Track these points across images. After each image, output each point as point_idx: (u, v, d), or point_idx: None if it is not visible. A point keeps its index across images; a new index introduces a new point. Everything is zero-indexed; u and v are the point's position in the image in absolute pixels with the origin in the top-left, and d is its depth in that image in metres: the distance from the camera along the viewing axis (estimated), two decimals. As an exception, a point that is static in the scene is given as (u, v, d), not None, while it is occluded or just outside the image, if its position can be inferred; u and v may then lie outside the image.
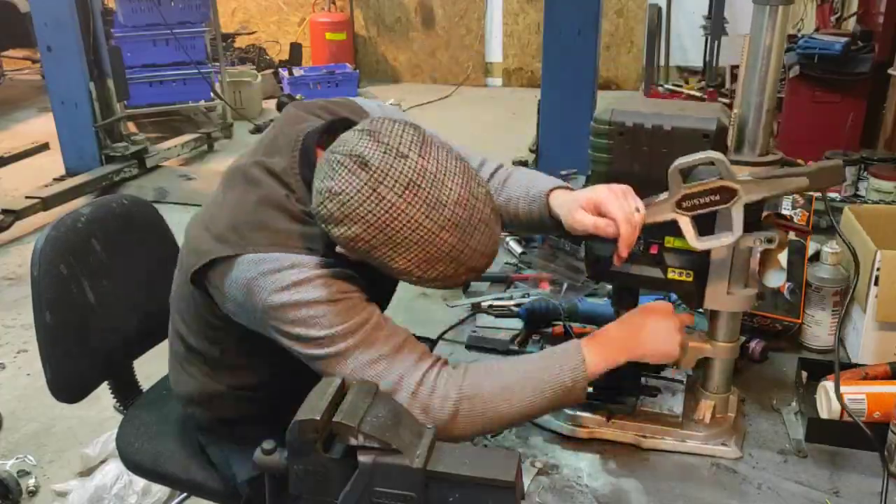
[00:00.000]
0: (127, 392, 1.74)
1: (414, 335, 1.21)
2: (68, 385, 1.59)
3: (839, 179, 1.09)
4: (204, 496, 1.62)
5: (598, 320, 1.62)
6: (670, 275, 1.20)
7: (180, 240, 1.87)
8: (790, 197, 1.70)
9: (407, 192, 1.05)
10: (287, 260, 1.15)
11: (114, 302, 1.66)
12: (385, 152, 1.05)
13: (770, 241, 1.14)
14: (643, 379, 1.34)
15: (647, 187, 1.15)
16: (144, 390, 1.79)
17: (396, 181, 1.05)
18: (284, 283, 1.13)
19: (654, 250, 1.21)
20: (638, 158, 1.17)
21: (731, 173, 1.08)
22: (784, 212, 1.67)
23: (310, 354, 1.16)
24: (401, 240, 1.06)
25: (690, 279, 1.19)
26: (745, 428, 1.32)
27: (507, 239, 2.05)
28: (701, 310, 1.25)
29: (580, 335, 1.60)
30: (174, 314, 1.46)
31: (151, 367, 1.84)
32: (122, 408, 1.76)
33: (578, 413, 1.30)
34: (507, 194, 1.38)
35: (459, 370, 1.17)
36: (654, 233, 1.18)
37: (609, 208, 1.14)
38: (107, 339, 1.64)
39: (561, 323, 1.62)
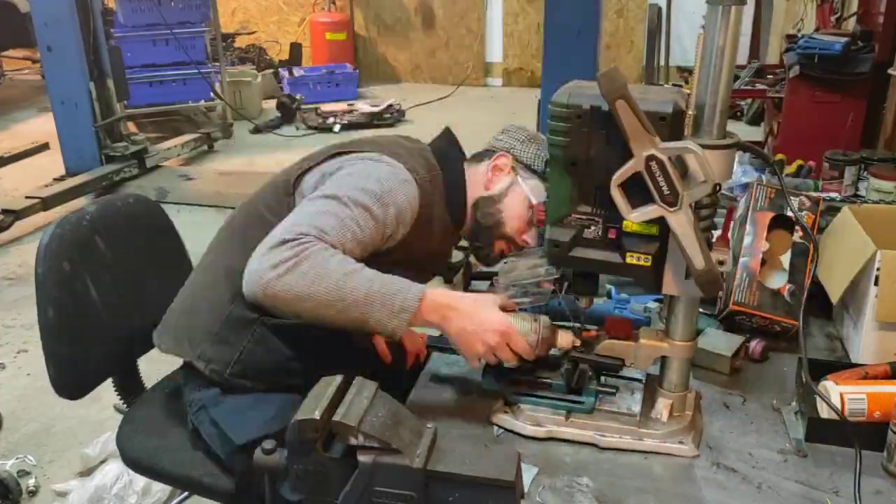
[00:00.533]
0: (130, 389, 1.75)
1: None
2: (70, 382, 1.59)
3: (617, 78, 1.08)
4: (199, 492, 1.62)
5: (600, 320, 1.62)
6: (629, 259, 1.20)
7: (183, 239, 1.89)
8: (796, 199, 1.70)
9: None
10: (391, 160, 1.44)
11: (117, 299, 1.66)
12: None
13: (721, 263, 1.15)
14: (602, 378, 1.34)
15: (604, 170, 1.14)
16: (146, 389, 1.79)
17: None
18: (388, 162, 1.43)
19: (612, 234, 1.20)
20: (596, 141, 1.16)
21: (705, 165, 1.08)
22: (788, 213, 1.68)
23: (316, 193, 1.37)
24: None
25: (649, 264, 1.19)
26: (703, 426, 1.32)
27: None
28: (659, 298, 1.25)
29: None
30: (221, 243, 1.57)
31: (153, 366, 1.84)
32: (124, 405, 1.76)
33: (538, 413, 1.31)
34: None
35: (326, 249, 1.28)
36: (612, 217, 1.18)
37: None
38: (109, 336, 1.65)
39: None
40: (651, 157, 1.09)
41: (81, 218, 1.63)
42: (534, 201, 1.57)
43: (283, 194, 1.49)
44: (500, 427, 1.34)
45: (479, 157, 1.65)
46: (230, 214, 1.64)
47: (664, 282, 1.20)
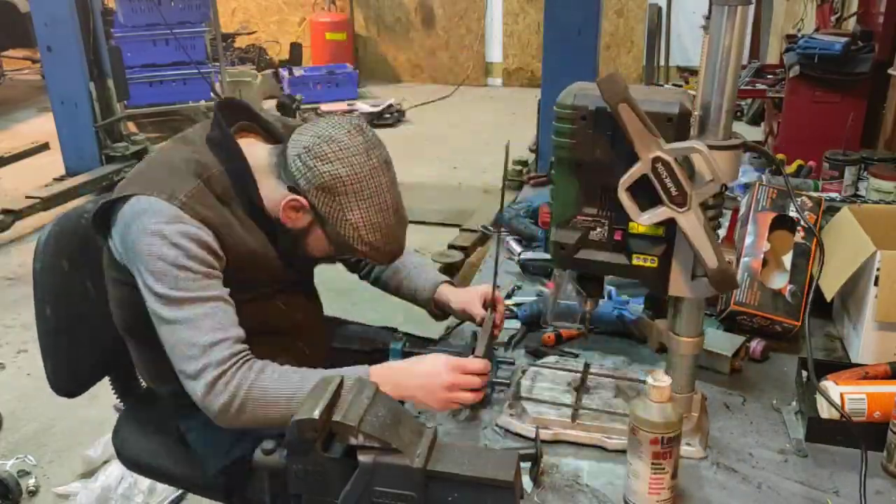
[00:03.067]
0: (127, 388, 1.74)
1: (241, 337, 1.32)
2: (68, 380, 1.59)
3: (618, 83, 1.07)
4: (196, 491, 1.63)
5: (600, 322, 1.62)
6: (635, 261, 1.20)
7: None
8: (798, 200, 1.70)
9: (384, 164, 1.36)
10: (164, 209, 1.30)
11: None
12: (373, 135, 1.38)
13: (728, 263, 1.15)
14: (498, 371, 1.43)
15: (610, 172, 1.14)
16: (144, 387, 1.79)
17: (380, 154, 1.36)
18: (153, 230, 1.28)
19: (618, 236, 1.20)
20: (601, 143, 1.15)
21: (712, 164, 1.08)
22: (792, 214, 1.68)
23: (152, 309, 1.30)
24: (366, 194, 1.33)
25: (655, 265, 1.19)
26: (709, 426, 1.32)
27: (508, 238, 2.05)
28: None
29: (569, 338, 1.61)
30: (113, 309, 1.50)
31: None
32: (121, 404, 1.76)
33: (544, 416, 1.31)
34: (398, 267, 1.66)
35: (256, 369, 1.28)
36: (618, 218, 1.18)
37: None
38: (107, 335, 1.64)
39: (552, 332, 1.62)
40: (657, 159, 1.08)
41: (80, 215, 1.62)
42: (335, 248, 1.40)
43: (106, 250, 1.43)
44: (505, 430, 1.34)
45: (276, 167, 1.38)
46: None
47: (671, 283, 1.20)
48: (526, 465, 1.18)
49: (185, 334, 1.27)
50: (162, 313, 1.28)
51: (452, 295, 1.62)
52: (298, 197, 1.33)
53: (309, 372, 1.32)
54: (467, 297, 1.59)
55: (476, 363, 1.34)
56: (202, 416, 1.32)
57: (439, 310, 1.64)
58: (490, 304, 1.52)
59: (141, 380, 1.66)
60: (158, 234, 1.28)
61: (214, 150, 1.40)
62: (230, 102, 1.47)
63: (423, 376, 1.33)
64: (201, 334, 1.27)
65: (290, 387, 1.28)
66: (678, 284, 1.20)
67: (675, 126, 1.11)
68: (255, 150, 1.41)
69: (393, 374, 1.34)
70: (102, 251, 1.45)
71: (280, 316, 1.48)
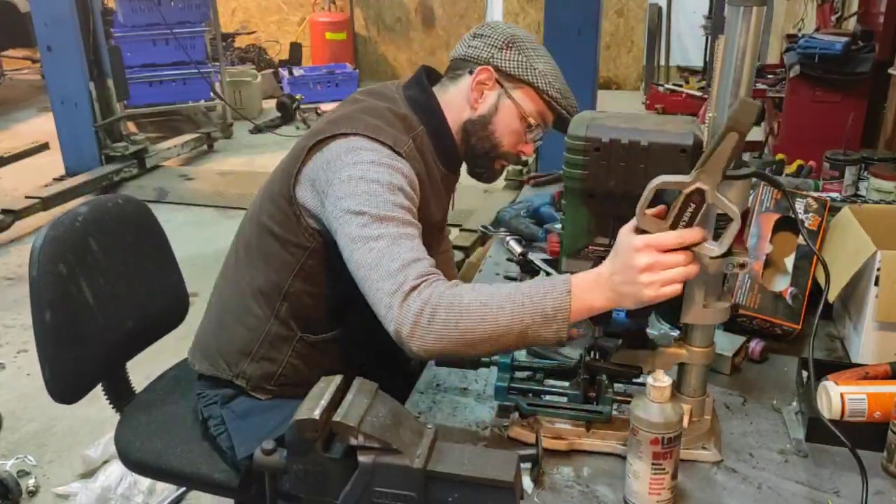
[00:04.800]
0: (120, 393, 1.74)
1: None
2: (67, 386, 1.58)
3: (753, 116, 1.04)
4: (209, 489, 1.62)
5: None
6: None
7: (176, 240, 1.88)
8: (803, 201, 1.69)
9: (537, 44, 1.53)
10: (385, 151, 1.35)
11: (111, 301, 1.65)
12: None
13: (742, 265, 1.13)
14: (616, 386, 1.31)
15: (622, 204, 1.13)
16: (136, 392, 1.78)
17: (533, 41, 1.53)
18: (372, 159, 1.32)
19: None
20: (614, 174, 1.14)
21: (720, 200, 1.07)
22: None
23: (351, 233, 1.27)
24: (541, 52, 1.52)
25: None
26: (721, 429, 1.31)
27: (508, 239, 2.05)
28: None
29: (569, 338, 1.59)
30: (241, 259, 1.53)
31: (149, 367, 1.84)
32: (114, 409, 1.75)
33: (557, 426, 1.29)
34: None
35: (449, 283, 1.20)
36: None
37: None
38: (104, 340, 1.64)
39: None
40: (699, 191, 1.07)
41: (74, 219, 1.61)
42: (525, 111, 1.49)
43: (286, 205, 1.43)
44: (520, 442, 1.30)
45: (456, 74, 1.53)
46: (239, 230, 1.60)
47: (683, 311, 1.19)
48: (526, 465, 1.18)
49: (387, 249, 1.23)
50: (364, 232, 1.25)
51: None
52: (486, 66, 1.47)
53: (501, 286, 1.22)
54: None
55: (670, 236, 1.10)
56: (235, 405, 1.40)
57: None
58: None
59: (196, 364, 1.61)
60: (379, 164, 1.32)
61: (417, 110, 1.49)
62: (431, 68, 1.62)
63: (626, 275, 1.12)
64: (403, 251, 1.23)
65: (481, 296, 1.17)
66: (691, 313, 1.19)
67: (689, 157, 1.11)
68: (443, 102, 1.52)
69: (595, 282, 1.15)
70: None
71: None
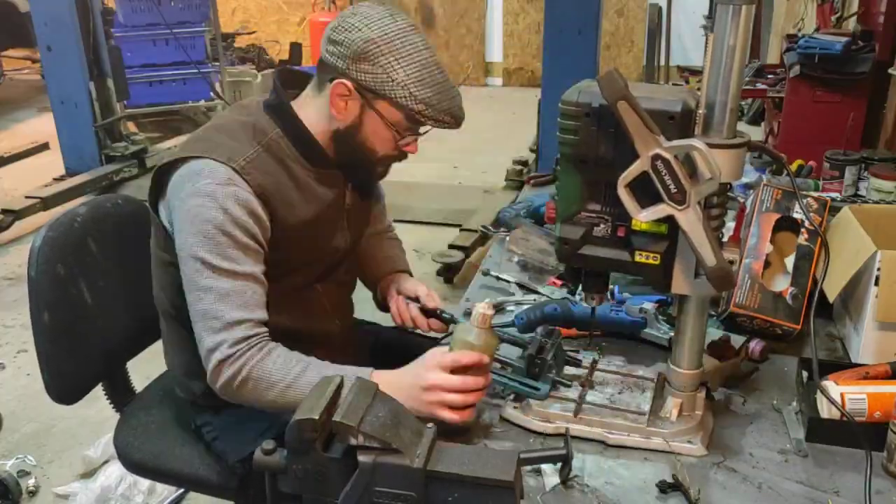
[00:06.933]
0: (121, 393, 1.73)
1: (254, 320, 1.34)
2: (66, 386, 1.58)
3: (615, 80, 1.08)
4: (207, 491, 1.62)
5: (601, 322, 1.61)
6: (637, 258, 1.20)
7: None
8: (804, 201, 1.69)
9: (411, 27, 1.38)
10: (220, 172, 1.33)
11: (110, 302, 1.65)
12: (395, 7, 1.41)
13: (731, 263, 1.15)
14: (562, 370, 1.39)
15: (613, 168, 1.14)
16: (137, 392, 1.78)
17: (405, 19, 1.38)
18: (205, 191, 1.31)
19: (621, 233, 1.20)
20: (604, 139, 1.16)
21: (711, 161, 1.08)
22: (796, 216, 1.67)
23: (187, 272, 1.32)
24: (403, 52, 1.34)
25: (658, 262, 1.19)
26: (713, 425, 1.32)
27: (508, 238, 2.04)
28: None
29: (565, 337, 1.60)
30: (156, 290, 1.53)
31: (148, 367, 1.84)
32: (115, 409, 1.75)
33: (548, 410, 1.32)
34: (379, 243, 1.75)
35: (263, 351, 1.31)
36: (621, 215, 1.18)
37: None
38: (104, 340, 1.63)
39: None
40: (657, 157, 1.09)
41: (73, 220, 1.61)
42: (391, 121, 1.39)
43: (156, 227, 1.46)
44: (509, 422, 1.33)
45: (321, 78, 1.42)
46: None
47: (674, 281, 1.20)
48: (554, 466, 1.20)
49: (212, 306, 1.30)
50: (196, 279, 1.31)
51: (404, 281, 1.66)
52: (342, 80, 1.36)
53: (314, 362, 1.33)
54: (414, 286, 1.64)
55: (469, 356, 1.25)
56: (223, 412, 1.39)
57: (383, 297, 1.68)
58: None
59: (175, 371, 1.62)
60: (210, 196, 1.31)
61: (272, 114, 1.44)
62: (289, 70, 1.53)
63: (412, 377, 1.27)
64: (228, 310, 1.30)
65: (289, 375, 1.30)
66: (681, 282, 1.20)
67: (678, 124, 1.12)
68: (309, 110, 1.45)
69: (400, 382, 1.27)
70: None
71: (314, 312, 1.52)
